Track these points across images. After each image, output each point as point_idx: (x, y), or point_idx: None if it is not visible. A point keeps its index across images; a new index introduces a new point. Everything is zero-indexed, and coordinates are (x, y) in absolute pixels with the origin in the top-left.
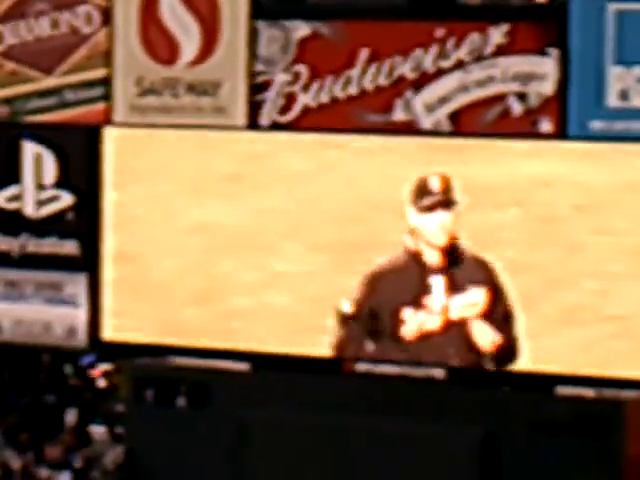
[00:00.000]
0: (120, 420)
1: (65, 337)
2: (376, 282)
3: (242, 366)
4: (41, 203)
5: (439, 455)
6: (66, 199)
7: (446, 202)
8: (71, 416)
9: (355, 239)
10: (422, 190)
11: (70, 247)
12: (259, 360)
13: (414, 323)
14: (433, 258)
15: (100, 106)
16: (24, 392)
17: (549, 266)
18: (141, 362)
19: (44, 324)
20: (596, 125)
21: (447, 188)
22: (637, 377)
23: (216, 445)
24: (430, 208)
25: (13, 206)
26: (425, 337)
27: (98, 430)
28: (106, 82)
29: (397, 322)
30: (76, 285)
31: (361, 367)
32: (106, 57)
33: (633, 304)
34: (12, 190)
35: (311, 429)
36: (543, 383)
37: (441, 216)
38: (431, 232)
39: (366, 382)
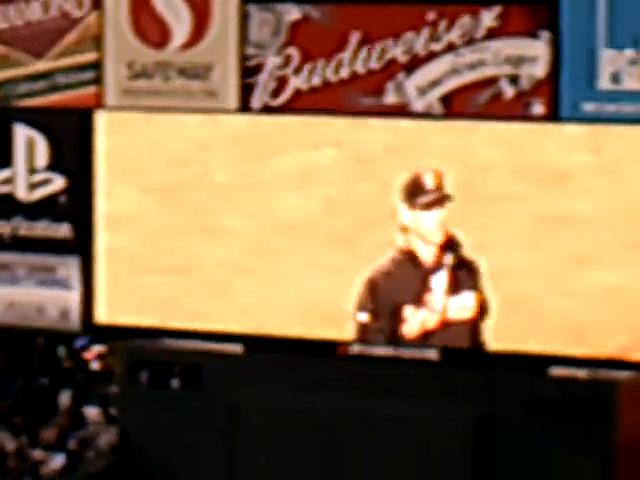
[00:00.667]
0: (114, 402)
1: (58, 320)
2: (377, 285)
3: (235, 348)
4: (33, 186)
5: (432, 437)
6: (58, 182)
7: (442, 199)
8: (65, 398)
9: (185, 180)
10: (416, 188)
11: (63, 230)
12: (253, 342)
13: (416, 321)
14: (429, 255)
15: (91, 90)
16: (18, 375)
17: (364, 205)
18: (135, 344)
19: (37, 307)
20: (588, 107)
21: (441, 184)
22: (631, 358)
23: (210, 427)
24: (427, 206)
25: (5, 189)
26: (426, 335)
27: (92, 412)
28: (97, 66)
29: (399, 321)
30: (69, 268)
31: (355, 349)
32: (97, 41)
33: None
34: (4, 173)
35: (304, 411)
36: (536, 364)
37: (437, 214)
38: (428, 230)
39: (359, 364)
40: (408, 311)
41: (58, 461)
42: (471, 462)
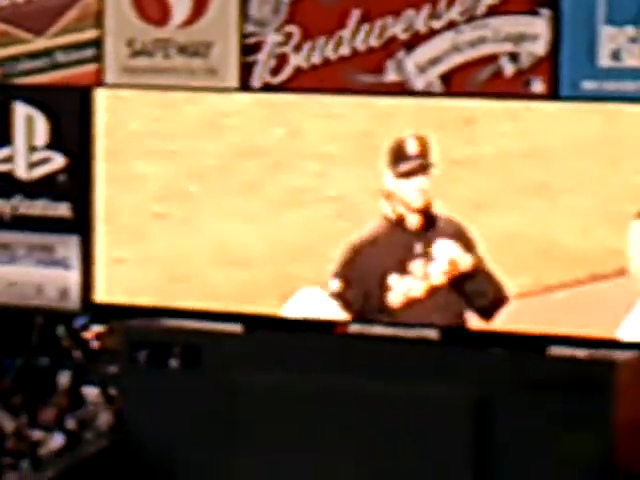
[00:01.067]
0: (113, 382)
1: (58, 299)
2: (359, 252)
3: (235, 328)
4: (33, 165)
5: (431, 416)
6: (58, 161)
7: (424, 167)
8: (64, 378)
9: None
10: (399, 154)
11: (62, 209)
12: (252, 322)
13: (400, 289)
14: (412, 221)
15: (91, 67)
16: (17, 354)
17: (273, 150)
18: (134, 324)
19: (36, 286)
20: (588, 85)
21: (424, 150)
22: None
23: (209, 406)
24: (408, 174)
25: (5, 168)
26: (411, 303)
27: (91, 392)
28: (97, 43)
29: (383, 290)
30: (68, 247)
31: (353, 328)
32: (97, 18)
33: (350, 185)
34: (4, 152)
35: (303, 390)
36: (536, 343)
37: (419, 181)
38: (408, 195)
39: (358, 343)
40: (393, 279)
41: (57, 441)
42: (470, 441)
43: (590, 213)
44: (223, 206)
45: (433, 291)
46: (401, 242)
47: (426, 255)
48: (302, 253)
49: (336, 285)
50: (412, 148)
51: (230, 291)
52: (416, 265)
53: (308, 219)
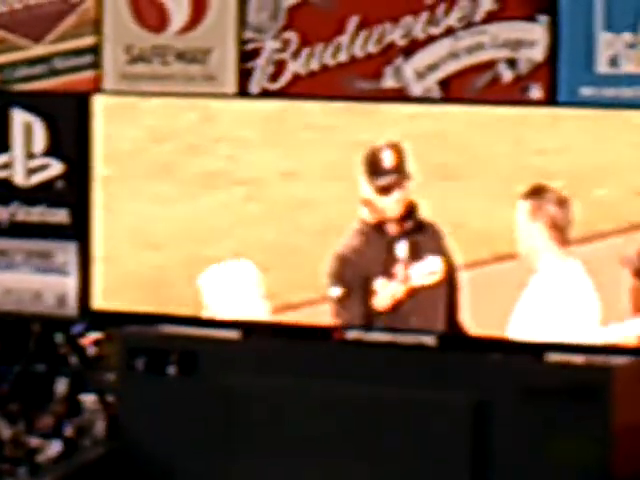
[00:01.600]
0: (111, 389)
1: (55, 306)
2: (347, 260)
3: (232, 334)
4: (31, 171)
5: (429, 422)
6: (56, 167)
7: (401, 181)
8: (61, 385)
9: None
10: (374, 165)
11: (60, 216)
12: (249, 328)
13: (386, 293)
14: (392, 225)
15: (89, 74)
16: (14, 361)
17: (187, 134)
18: (132, 330)
19: (34, 293)
20: (586, 91)
21: (400, 162)
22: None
23: (207, 413)
24: (385, 190)
25: (3, 174)
26: (396, 306)
27: (89, 399)
28: (95, 50)
29: (370, 294)
30: (66, 254)
31: (351, 334)
32: (95, 25)
33: (261, 168)
34: (1, 158)
35: (301, 396)
36: (533, 350)
37: (395, 195)
38: (385, 207)
39: (356, 349)
40: (379, 283)
41: (55, 448)
42: (468, 447)
43: (493, 194)
44: (136, 189)
45: (415, 292)
46: (383, 246)
47: (407, 258)
48: (215, 236)
49: (337, 292)
50: (388, 161)
51: (145, 274)
52: (398, 268)
53: (222, 201)
